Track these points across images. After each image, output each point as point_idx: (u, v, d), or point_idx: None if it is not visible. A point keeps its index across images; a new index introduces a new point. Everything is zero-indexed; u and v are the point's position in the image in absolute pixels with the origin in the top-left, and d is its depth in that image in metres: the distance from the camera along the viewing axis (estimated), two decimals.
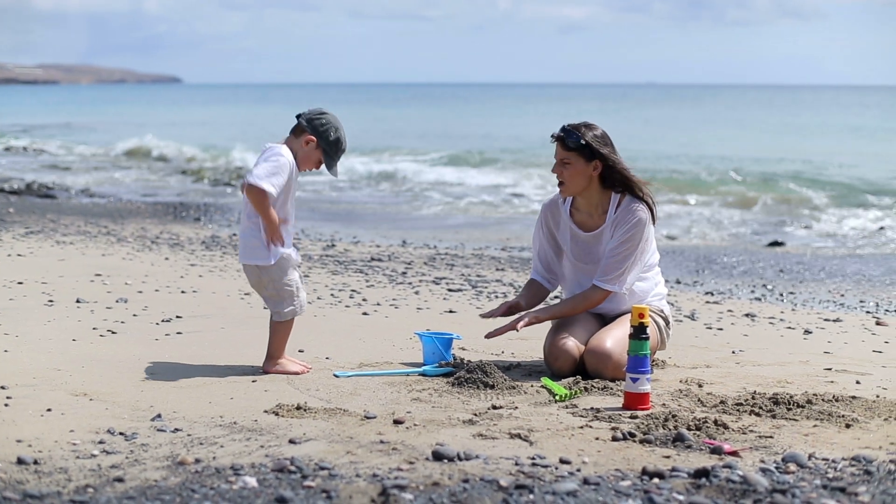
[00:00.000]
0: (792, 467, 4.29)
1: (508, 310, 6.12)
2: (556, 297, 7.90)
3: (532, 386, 5.63)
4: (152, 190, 21.11)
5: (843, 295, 10.07)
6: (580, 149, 5.87)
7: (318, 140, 5.67)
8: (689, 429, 4.77)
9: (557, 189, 6.06)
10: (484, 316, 6.21)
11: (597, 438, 4.69)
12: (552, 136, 5.97)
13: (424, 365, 6.01)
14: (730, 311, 8.68)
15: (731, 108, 73.60)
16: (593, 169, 5.91)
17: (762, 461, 4.39)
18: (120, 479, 3.93)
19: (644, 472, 4.16)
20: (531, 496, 3.86)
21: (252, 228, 5.63)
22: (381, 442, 4.52)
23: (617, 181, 5.93)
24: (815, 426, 4.95)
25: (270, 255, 5.61)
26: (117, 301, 7.92)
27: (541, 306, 6.25)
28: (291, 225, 5.71)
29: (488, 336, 6.09)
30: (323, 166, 5.73)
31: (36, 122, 50.25)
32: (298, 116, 5.73)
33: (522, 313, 6.07)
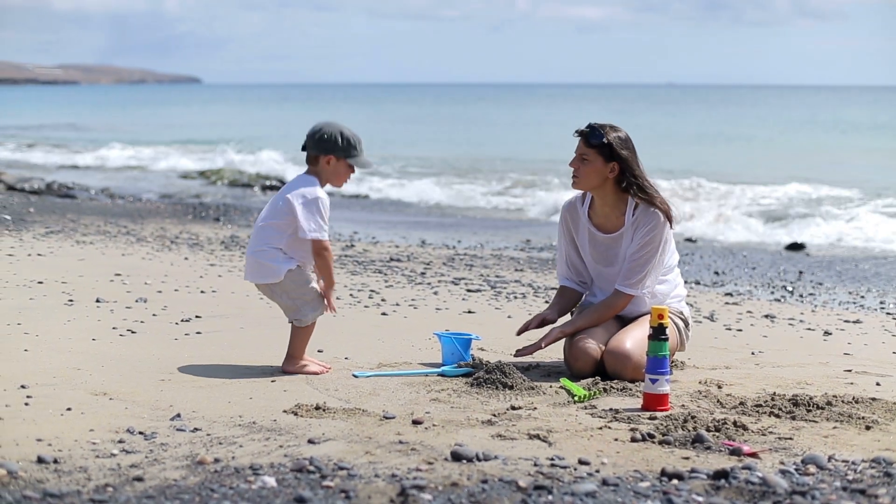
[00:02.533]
0: (811, 469, 4.27)
1: (542, 322, 6.11)
2: None
3: (551, 387, 5.62)
4: (172, 190, 21.18)
5: (862, 296, 10.03)
6: (601, 147, 5.87)
7: (333, 154, 5.67)
8: (708, 430, 4.76)
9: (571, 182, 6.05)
10: (519, 332, 6.17)
11: (616, 439, 4.68)
12: (576, 131, 5.98)
13: (443, 365, 6.00)
14: (749, 312, 8.65)
15: (751, 108, 73.37)
16: (609, 171, 5.91)
17: (781, 463, 4.37)
18: (139, 479, 3.95)
19: (663, 473, 4.15)
20: (550, 497, 3.85)
21: (267, 251, 5.62)
22: (400, 442, 4.53)
23: (632, 187, 5.92)
24: (834, 428, 4.93)
25: (278, 269, 5.61)
26: (137, 301, 7.94)
27: (565, 319, 6.23)
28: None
29: (517, 355, 6.07)
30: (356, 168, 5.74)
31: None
32: (303, 149, 5.74)
33: (548, 328, 6.07)
